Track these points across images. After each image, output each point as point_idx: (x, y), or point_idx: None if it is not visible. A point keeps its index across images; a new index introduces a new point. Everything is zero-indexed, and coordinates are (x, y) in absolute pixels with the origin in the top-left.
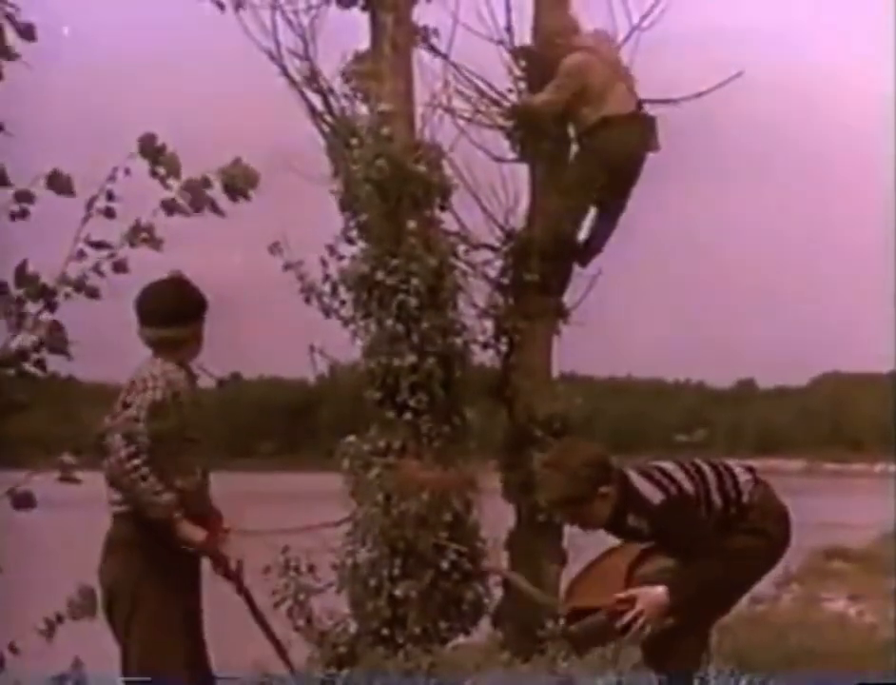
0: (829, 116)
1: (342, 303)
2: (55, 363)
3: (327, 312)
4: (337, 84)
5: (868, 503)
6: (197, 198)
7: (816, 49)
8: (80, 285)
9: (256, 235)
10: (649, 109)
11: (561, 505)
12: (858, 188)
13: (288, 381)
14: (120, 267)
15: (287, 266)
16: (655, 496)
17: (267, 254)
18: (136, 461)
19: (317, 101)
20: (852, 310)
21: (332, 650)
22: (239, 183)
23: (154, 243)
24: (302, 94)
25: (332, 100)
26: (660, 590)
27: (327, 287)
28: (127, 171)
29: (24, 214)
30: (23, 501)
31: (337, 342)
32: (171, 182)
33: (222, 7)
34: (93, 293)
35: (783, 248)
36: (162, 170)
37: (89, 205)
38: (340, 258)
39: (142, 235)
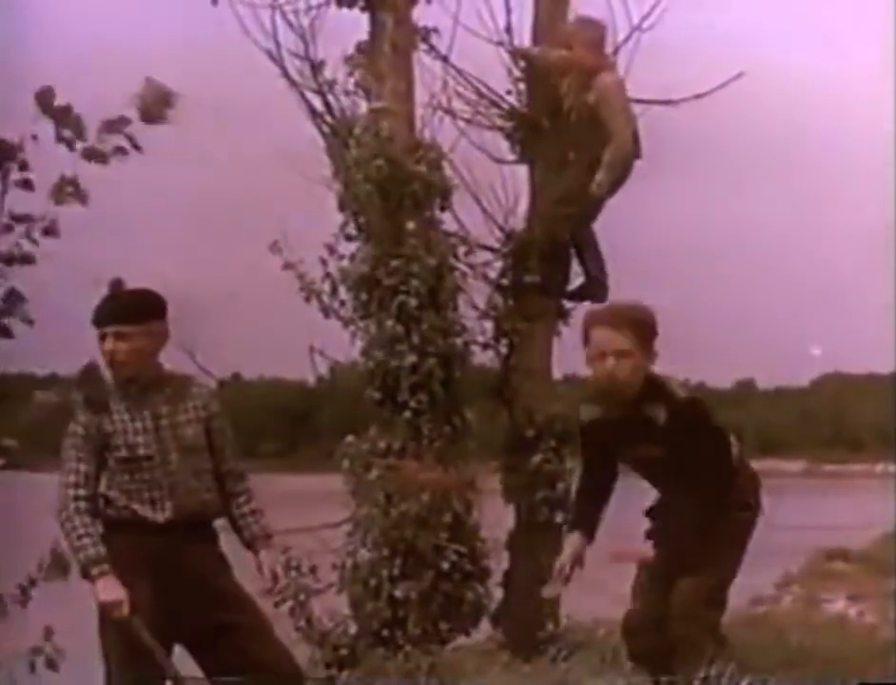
0: (831, 118)
1: (342, 303)
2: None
3: (327, 312)
4: (340, 76)
5: (869, 504)
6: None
7: (817, 51)
8: (10, 258)
9: (256, 234)
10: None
11: (608, 354)
12: (858, 189)
13: (288, 381)
14: (50, 231)
15: (287, 266)
16: (681, 392)
17: (267, 253)
18: (63, 515)
19: (317, 102)
20: (853, 311)
21: (332, 651)
22: (154, 107)
23: (80, 196)
24: (303, 95)
25: (332, 100)
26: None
27: (327, 287)
28: (35, 137)
29: None
30: None
31: (337, 343)
32: (79, 145)
33: (215, 1)
34: (28, 260)
35: (783, 249)
36: (68, 133)
37: (4, 177)
38: (340, 257)
39: (67, 189)
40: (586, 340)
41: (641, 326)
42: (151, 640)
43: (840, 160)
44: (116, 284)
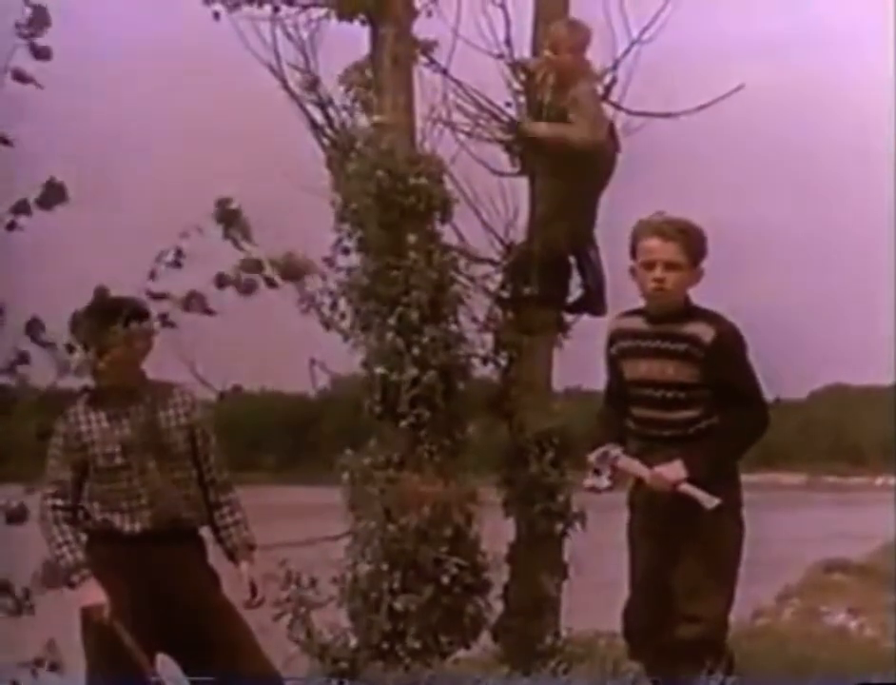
0: (831, 129)
1: (342, 315)
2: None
3: (327, 325)
4: (338, 95)
5: (869, 516)
6: (250, 281)
7: (817, 63)
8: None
9: (255, 247)
10: (615, 114)
11: (657, 263)
12: (860, 200)
13: (288, 393)
14: (168, 324)
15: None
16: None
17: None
18: (43, 524)
19: (317, 114)
20: (854, 322)
21: (332, 664)
22: (292, 271)
23: (206, 309)
24: (303, 107)
25: (332, 113)
26: (675, 464)
27: (327, 300)
28: (200, 230)
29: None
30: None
31: (337, 355)
32: (244, 244)
33: (216, 15)
34: None
35: (783, 261)
36: (237, 234)
37: (158, 258)
38: (339, 270)
39: (192, 301)
40: (633, 251)
41: (691, 240)
42: (133, 645)
43: (840, 171)
44: (100, 292)
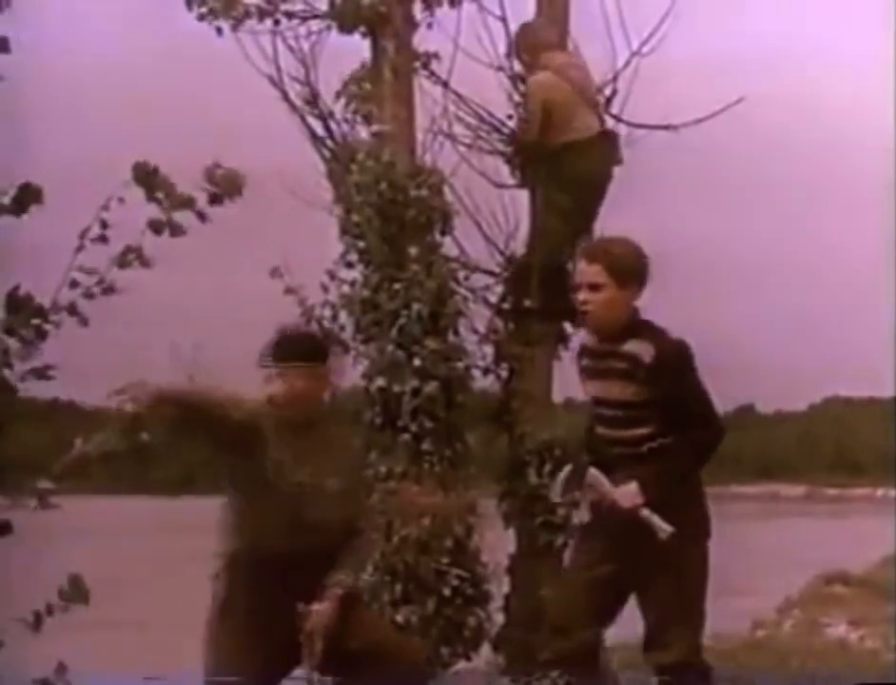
0: (830, 141)
1: (343, 328)
2: (55, 388)
3: (328, 337)
4: (338, 107)
5: (869, 528)
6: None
7: (817, 77)
8: (72, 311)
9: (256, 259)
10: (615, 126)
11: (583, 285)
12: (858, 213)
13: None
14: (109, 290)
15: (288, 290)
16: (672, 336)
17: (268, 278)
18: None
19: (318, 126)
20: (853, 334)
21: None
22: (222, 190)
23: (143, 261)
24: (304, 119)
25: (333, 125)
26: (632, 487)
27: (327, 312)
28: (122, 200)
29: None
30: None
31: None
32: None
33: (219, 31)
34: (84, 321)
35: (782, 273)
36: (160, 195)
37: (83, 234)
38: (341, 283)
39: (129, 256)
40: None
41: (615, 261)
42: None
43: (840, 184)
44: (284, 327)
